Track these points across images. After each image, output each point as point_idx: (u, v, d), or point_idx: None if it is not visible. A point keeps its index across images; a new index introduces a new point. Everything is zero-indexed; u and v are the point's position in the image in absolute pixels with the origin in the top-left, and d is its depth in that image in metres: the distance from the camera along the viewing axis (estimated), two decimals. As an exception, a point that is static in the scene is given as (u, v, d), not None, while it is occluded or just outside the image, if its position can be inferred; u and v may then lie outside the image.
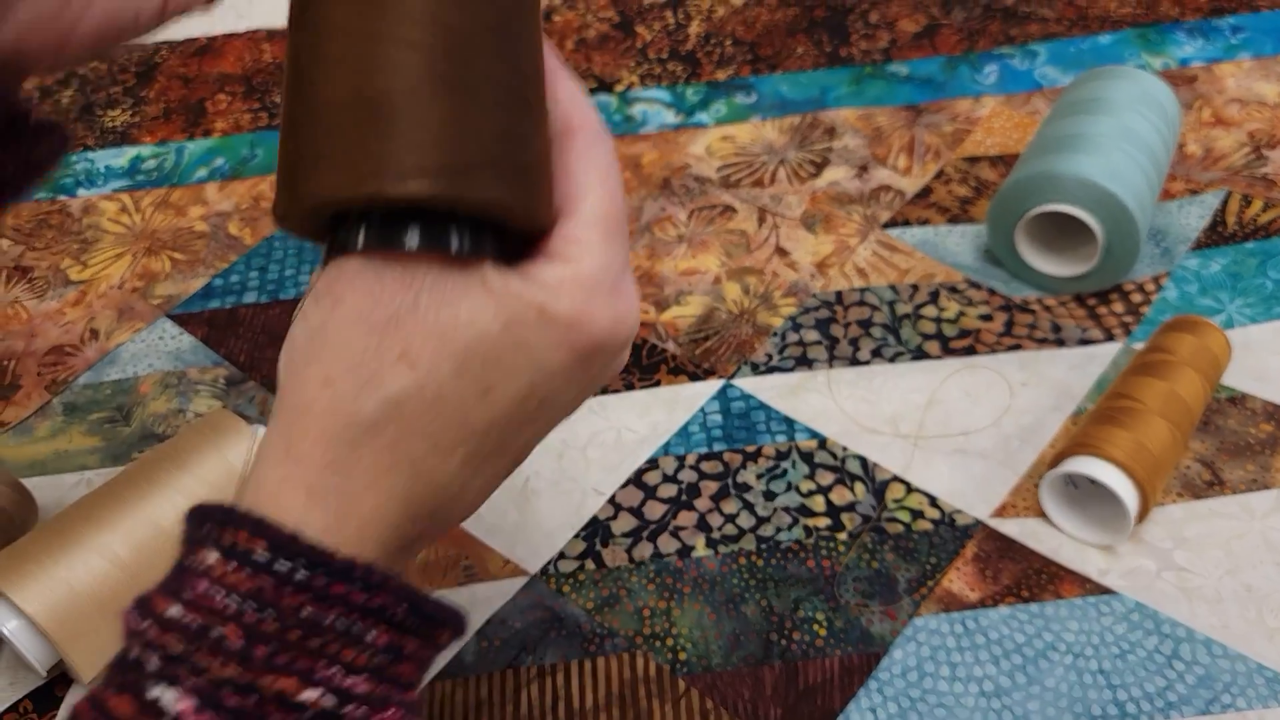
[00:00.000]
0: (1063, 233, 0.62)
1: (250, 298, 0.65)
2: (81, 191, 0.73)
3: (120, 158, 0.75)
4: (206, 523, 0.27)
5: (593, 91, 0.77)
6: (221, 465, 0.52)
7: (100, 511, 0.50)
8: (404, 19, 0.23)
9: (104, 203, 0.72)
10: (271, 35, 0.83)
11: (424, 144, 0.23)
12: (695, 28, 0.81)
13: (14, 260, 0.68)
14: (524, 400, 0.28)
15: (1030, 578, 0.50)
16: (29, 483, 0.56)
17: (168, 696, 0.25)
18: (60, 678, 0.50)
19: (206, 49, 0.83)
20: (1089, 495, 0.52)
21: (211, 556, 0.26)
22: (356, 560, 0.26)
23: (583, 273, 0.27)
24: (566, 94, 0.29)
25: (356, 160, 0.24)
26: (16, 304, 0.66)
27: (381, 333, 0.26)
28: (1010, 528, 0.52)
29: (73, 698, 0.49)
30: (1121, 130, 0.62)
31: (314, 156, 0.24)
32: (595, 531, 0.53)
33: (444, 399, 0.27)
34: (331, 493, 0.27)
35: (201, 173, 0.73)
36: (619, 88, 0.77)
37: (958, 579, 0.50)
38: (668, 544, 0.52)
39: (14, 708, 0.49)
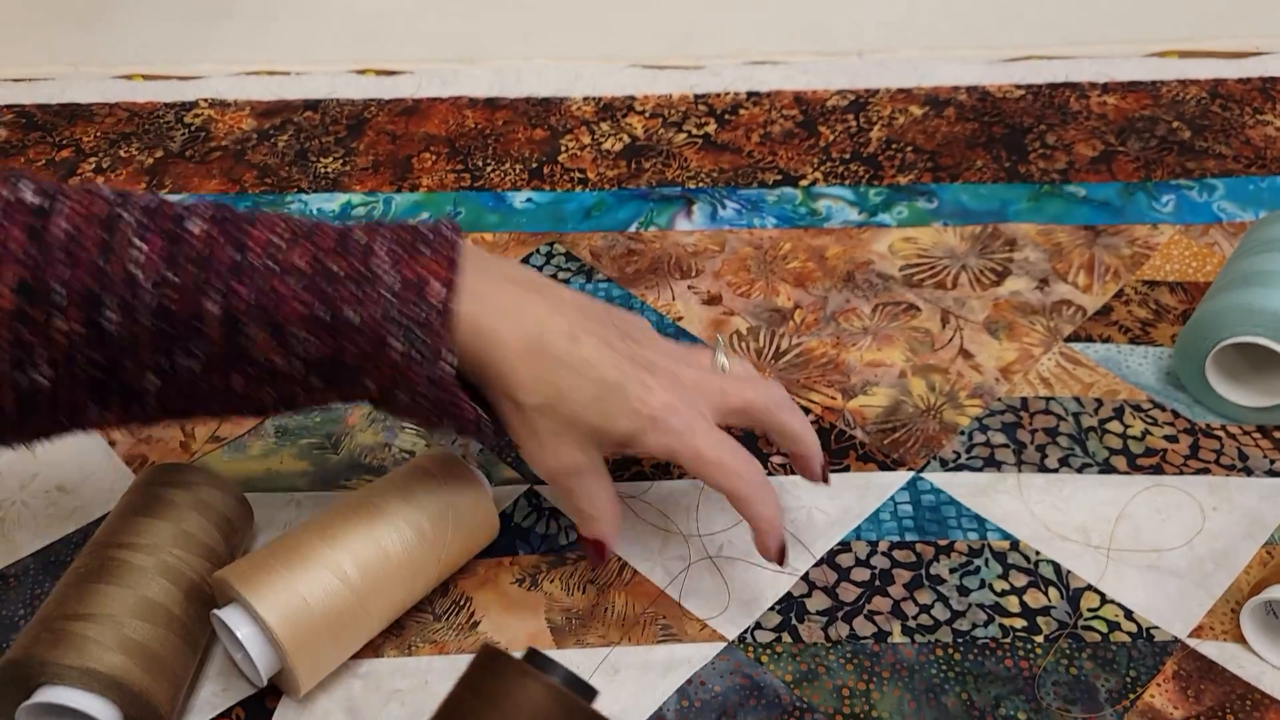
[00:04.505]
0: (1252, 365, 0.64)
1: (453, 345, 0.68)
2: (295, 230, 0.77)
3: (332, 202, 0.79)
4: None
5: (776, 184, 0.81)
6: (442, 499, 0.54)
7: (332, 531, 0.52)
8: None
9: (316, 242, 0.76)
10: (473, 103, 0.89)
11: None
12: (876, 133, 0.85)
13: (232, 288, 0.73)
14: None
15: (1234, 702, 0.50)
16: (245, 498, 0.59)
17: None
18: (270, 689, 0.52)
19: (413, 110, 0.88)
20: (1288, 626, 0.53)
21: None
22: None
23: None
24: None
25: None
26: (234, 329, 0.70)
27: None
28: (1209, 650, 0.52)
29: (284, 710, 0.51)
30: (1315, 270, 0.63)
31: None
32: (790, 607, 0.54)
33: None
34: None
35: (407, 224, 0.77)
36: (803, 183, 0.81)
37: (1160, 695, 0.50)
38: (864, 627, 0.53)
39: (226, 713, 0.51)
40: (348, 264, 0.45)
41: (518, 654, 0.39)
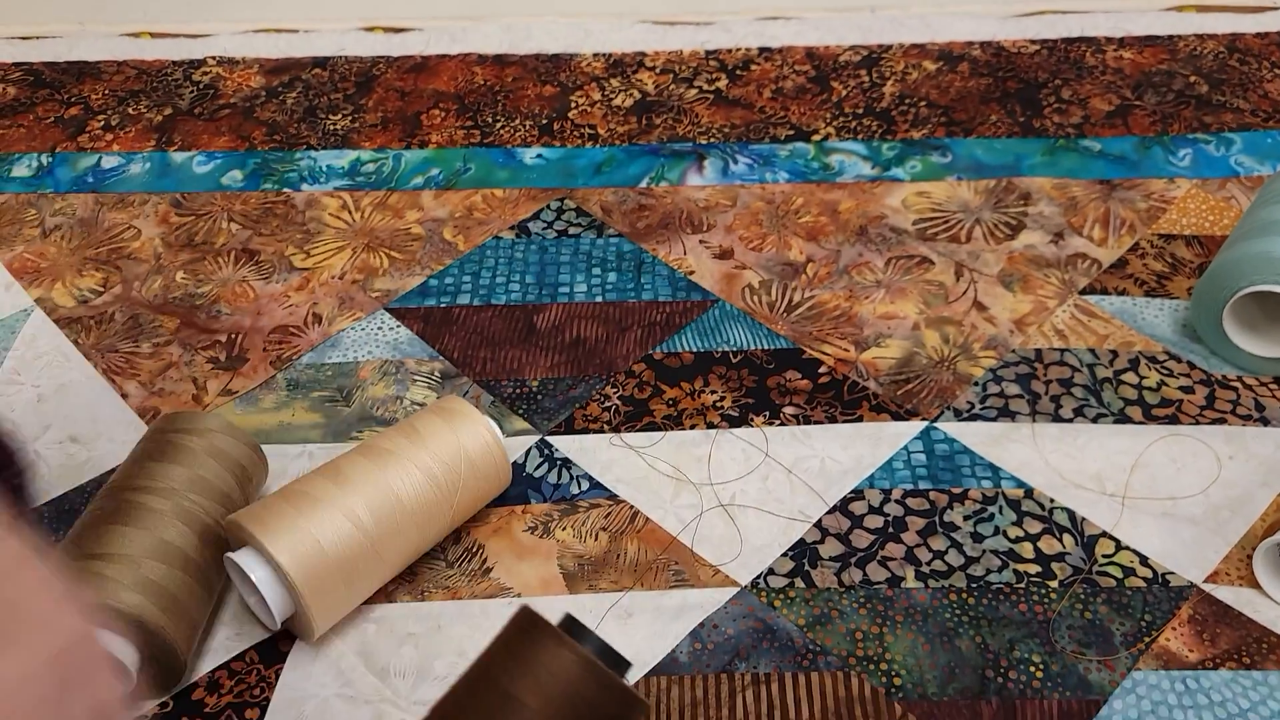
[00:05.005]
0: (1269, 317, 0.63)
1: (464, 299, 0.68)
2: (305, 186, 0.77)
3: (341, 159, 0.79)
4: None
5: (789, 139, 0.80)
6: (454, 445, 0.54)
7: (344, 476, 0.52)
8: None
9: (326, 198, 0.76)
10: (482, 60, 0.88)
11: None
12: (890, 88, 0.84)
13: (242, 243, 0.72)
14: None
15: (1250, 645, 0.49)
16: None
17: None
18: (283, 634, 0.52)
19: (422, 66, 0.87)
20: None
21: None
22: None
23: None
24: None
25: None
26: (245, 283, 0.70)
27: None
28: (1225, 594, 0.52)
29: (298, 654, 0.51)
30: (1334, 220, 0.62)
31: None
32: (803, 553, 0.54)
33: None
34: None
35: (417, 180, 0.77)
36: (816, 137, 0.80)
37: (1175, 638, 0.50)
38: (877, 572, 0.53)
39: (240, 657, 0.51)
40: None
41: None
